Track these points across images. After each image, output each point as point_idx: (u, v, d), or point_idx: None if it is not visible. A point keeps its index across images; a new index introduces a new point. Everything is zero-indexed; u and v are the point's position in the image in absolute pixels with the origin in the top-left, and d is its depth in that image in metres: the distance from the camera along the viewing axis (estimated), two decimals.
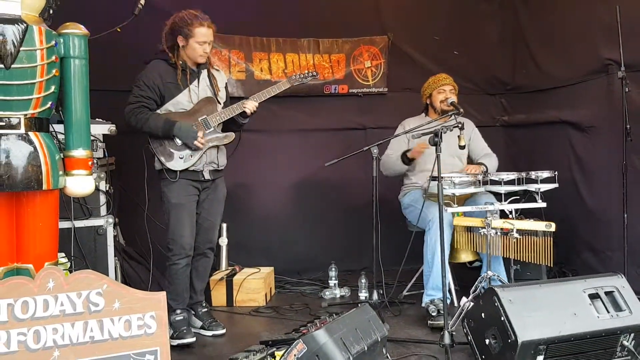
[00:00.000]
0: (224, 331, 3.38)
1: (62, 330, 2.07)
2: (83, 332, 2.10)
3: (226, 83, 3.52)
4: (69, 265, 3.06)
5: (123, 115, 3.22)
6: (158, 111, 3.21)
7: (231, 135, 3.34)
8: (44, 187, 2.25)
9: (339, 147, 4.49)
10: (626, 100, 3.64)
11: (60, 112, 2.43)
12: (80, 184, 2.41)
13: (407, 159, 3.83)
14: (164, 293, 2.22)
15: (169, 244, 3.25)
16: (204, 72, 3.33)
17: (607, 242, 4.01)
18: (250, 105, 3.30)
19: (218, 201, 3.42)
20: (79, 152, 2.40)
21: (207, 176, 3.29)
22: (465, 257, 3.91)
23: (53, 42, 2.27)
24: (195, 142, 3.16)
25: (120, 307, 2.15)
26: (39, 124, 2.28)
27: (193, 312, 3.44)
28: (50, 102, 2.30)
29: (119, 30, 3.40)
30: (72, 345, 2.08)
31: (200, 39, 3.16)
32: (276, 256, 4.65)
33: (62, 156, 2.39)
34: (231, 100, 3.51)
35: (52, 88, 2.29)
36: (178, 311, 3.26)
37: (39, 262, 2.28)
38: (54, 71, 2.28)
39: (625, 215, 3.65)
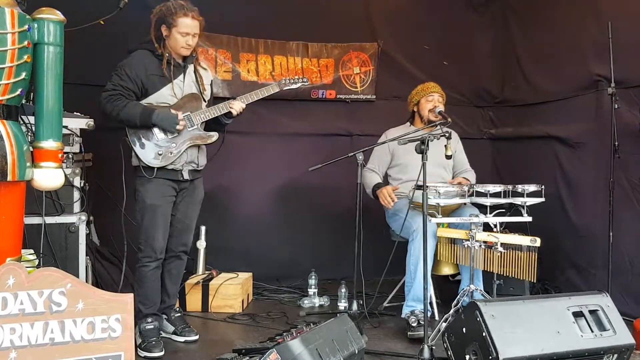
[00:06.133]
0: (196, 337, 3.27)
1: (20, 330, 1.97)
2: (43, 333, 2.00)
3: (211, 81, 3.40)
4: (37, 263, 2.93)
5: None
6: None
7: (214, 136, 3.20)
8: (9, 178, 2.15)
9: (324, 152, 4.40)
10: (615, 116, 3.61)
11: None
12: (49, 176, 2.30)
13: (375, 195, 3.77)
14: (131, 295, 2.12)
15: (140, 245, 3.12)
16: (190, 67, 3.20)
17: (592, 260, 3.96)
18: (237, 106, 3.19)
19: (195, 203, 3.29)
20: (49, 144, 2.30)
21: (186, 176, 3.16)
22: (447, 269, 3.83)
23: (26, 27, 2.17)
24: (177, 127, 3.01)
25: (84, 308, 2.05)
26: (6, 111, 2.18)
27: (165, 317, 3.32)
28: (20, 89, 2.20)
29: (102, 22, 3.29)
30: (30, 347, 1.98)
31: (183, 30, 3.02)
32: (255, 262, 4.55)
33: (30, 147, 2.28)
34: (215, 100, 3.41)
35: (23, 75, 2.19)
36: (149, 319, 3.12)
37: (1, 257, 2.16)
38: (25, 57, 2.18)
39: (611, 234, 3.60)
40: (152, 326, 3.11)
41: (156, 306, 3.20)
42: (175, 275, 3.34)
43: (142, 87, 3.05)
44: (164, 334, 3.24)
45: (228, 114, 3.20)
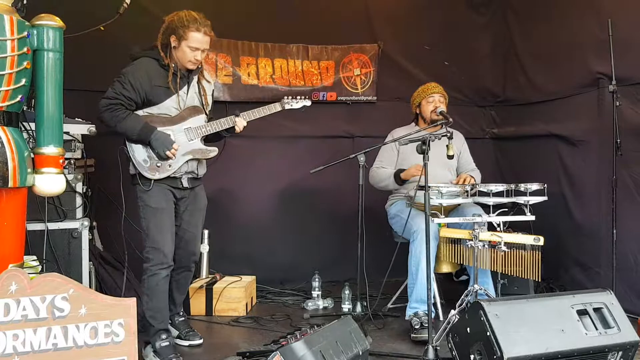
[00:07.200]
0: (201, 341, 3.26)
1: (23, 336, 1.97)
2: (46, 338, 2.00)
3: (212, 91, 3.32)
4: (40, 269, 2.94)
5: None
6: (139, 112, 2.97)
7: (215, 151, 3.12)
8: (10, 184, 2.15)
9: (326, 155, 4.41)
10: (617, 114, 3.61)
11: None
12: (50, 182, 2.31)
13: (401, 180, 3.75)
14: (134, 299, 2.12)
15: (148, 253, 2.97)
16: (194, 79, 3.11)
17: (596, 258, 3.94)
18: (241, 125, 3.15)
19: (198, 211, 3.22)
20: (50, 149, 2.31)
21: (185, 184, 3.08)
22: (445, 268, 3.81)
23: (25, 33, 2.18)
24: (167, 153, 2.92)
25: (86, 313, 2.05)
26: (7, 118, 2.19)
27: (170, 322, 3.29)
28: (20, 96, 2.20)
29: (102, 28, 3.30)
30: (33, 353, 1.98)
31: (193, 44, 2.93)
32: (259, 265, 4.54)
33: (31, 153, 2.28)
34: (215, 104, 3.40)
35: (23, 81, 2.20)
36: (163, 335, 2.97)
37: (3, 263, 2.17)
38: (25, 63, 2.19)
39: (615, 231, 3.59)
40: (167, 343, 2.97)
41: (167, 319, 3.11)
42: (183, 285, 3.31)
43: (145, 97, 2.95)
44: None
45: (229, 129, 3.16)
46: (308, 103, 3.42)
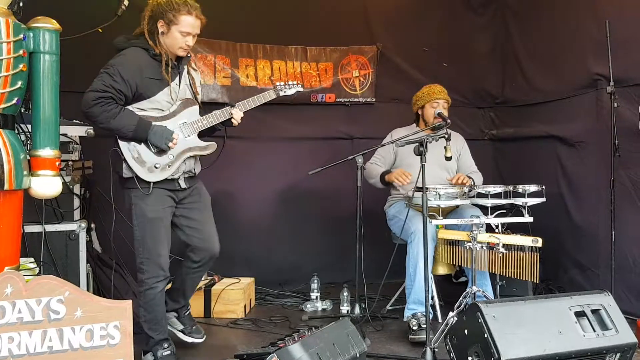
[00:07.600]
0: (203, 339, 3.19)
1: (18, 339, 1.97)
2: (41, 341, 1.99)
3: (200, 81, 3.20)
4: (37, 271, 2.93)
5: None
6: (129, 108, 2.77)
7: (213, 146, 2.98)
8: (6, 187, 2.16)
9: (325, 156, 4.38)
10: (615, 115, 3.60)
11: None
12: (46, 185, 2.31)
13: (385, 181, 3.76)
14: (129, 302, 2.11)
15: (143, 265, 2.81)
16: (185, 70, 2.95)
17: (594, 259, 3.94)
18: (238, 117, 3.03)
19: (206, 207, 3.08)
20: (46, 152, 2.31)
21: (183, 185, 2.93)
22: (442, 269, 3.80)
23: (21, 36, 2.18)
24: (170, 144, 2.76)
25: (82, 316, 2.05)
26: (3, 120, 2.19)
27: (175, 315, 3.18)
28: (16, 98, 2.21)
29: (100, 30, 3.30)
30: (28, 356, 1.97)
31: (185, 29, 2.75)
32: (257, 266, 4.54)
33: (27, 155, 2.29)
34: (213, 105, 3.39)
35: (19, 83, 2.20)
36: (165, 344, 2.89)
37: None
38: (21, 66, 2.19)
39: (613, 232, 3.59)
40: (169, 352, 2.89)
41: (166, 329, 3.00)
42: (197, 282, 3.20)
43: (136, 91, 2.75)
44: (170, 328, 3.10)
45: (225, 121, 3.04)
46: (301, 89, 3.35)
